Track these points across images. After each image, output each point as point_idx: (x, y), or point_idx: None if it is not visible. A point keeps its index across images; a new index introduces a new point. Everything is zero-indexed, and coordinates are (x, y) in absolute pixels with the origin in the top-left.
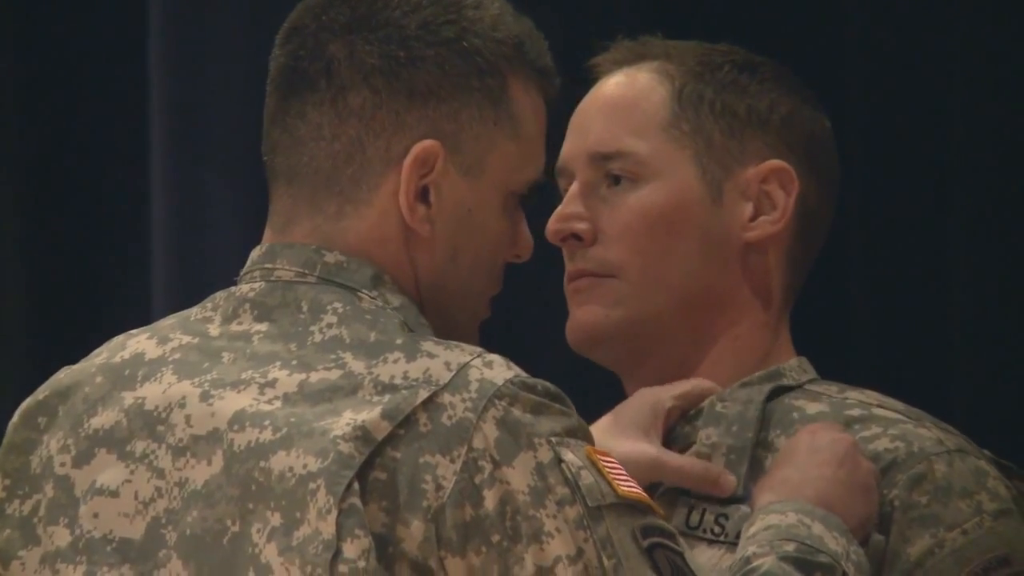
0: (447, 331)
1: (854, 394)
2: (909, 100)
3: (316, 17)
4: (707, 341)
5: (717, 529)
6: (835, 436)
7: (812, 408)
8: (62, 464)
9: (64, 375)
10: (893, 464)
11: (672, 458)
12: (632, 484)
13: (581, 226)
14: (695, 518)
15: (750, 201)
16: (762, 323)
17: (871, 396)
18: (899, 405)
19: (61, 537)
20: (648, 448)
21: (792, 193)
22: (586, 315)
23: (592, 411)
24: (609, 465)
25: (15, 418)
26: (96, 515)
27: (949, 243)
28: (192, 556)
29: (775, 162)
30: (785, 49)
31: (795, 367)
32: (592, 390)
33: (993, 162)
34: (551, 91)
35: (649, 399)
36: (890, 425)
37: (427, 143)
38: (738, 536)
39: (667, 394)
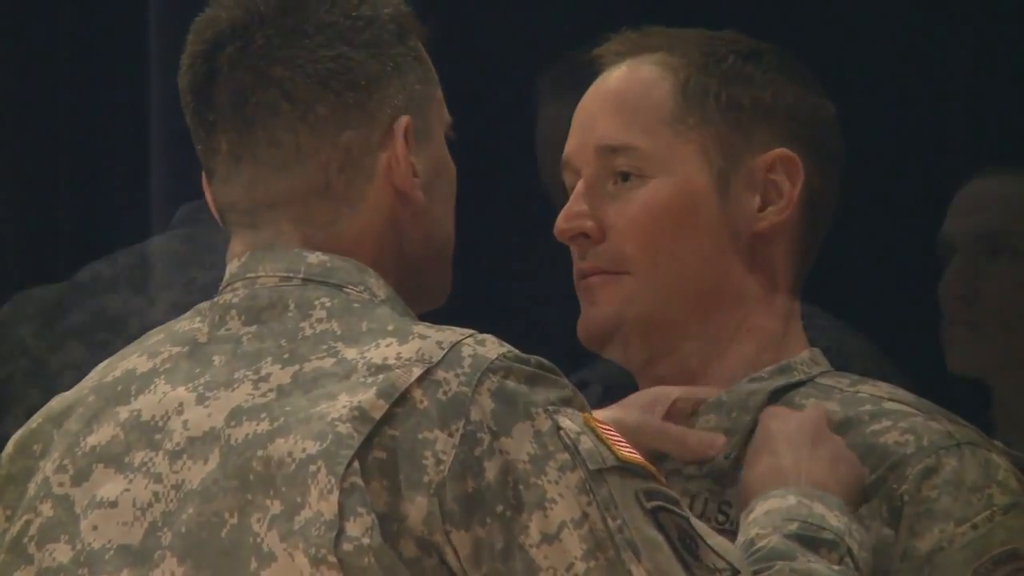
0: (431, 293)
1: (866, 388)
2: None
3: (239, 51)
4: (720, 335)
5: (721, 518)
6: (799, 417)
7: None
8: (60, 484)
9: (56, 402)
10: (903, 459)
11: (655, 421)
12: (632, 450)
13: (588, 224)
14: (698, 507)
15: (757, 192)
16: (773, 313)
17: (882, 388)
18: (910, 397)
19: (63, 553)
20: (633, 413)
21: (797, 182)
22: (599, 312)
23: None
24: (607, 431)
25: (9, 448)
26: (96, 527)
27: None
28: (189, 553)
29: (780, 151)
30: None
31: (806, 360)
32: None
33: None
34: (425, 36)
35: (654, 390)
36: (900, 419)
37: (404, 119)
38: None
39: (676, 390)
